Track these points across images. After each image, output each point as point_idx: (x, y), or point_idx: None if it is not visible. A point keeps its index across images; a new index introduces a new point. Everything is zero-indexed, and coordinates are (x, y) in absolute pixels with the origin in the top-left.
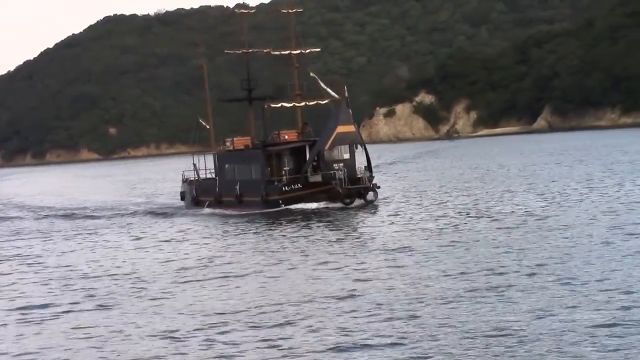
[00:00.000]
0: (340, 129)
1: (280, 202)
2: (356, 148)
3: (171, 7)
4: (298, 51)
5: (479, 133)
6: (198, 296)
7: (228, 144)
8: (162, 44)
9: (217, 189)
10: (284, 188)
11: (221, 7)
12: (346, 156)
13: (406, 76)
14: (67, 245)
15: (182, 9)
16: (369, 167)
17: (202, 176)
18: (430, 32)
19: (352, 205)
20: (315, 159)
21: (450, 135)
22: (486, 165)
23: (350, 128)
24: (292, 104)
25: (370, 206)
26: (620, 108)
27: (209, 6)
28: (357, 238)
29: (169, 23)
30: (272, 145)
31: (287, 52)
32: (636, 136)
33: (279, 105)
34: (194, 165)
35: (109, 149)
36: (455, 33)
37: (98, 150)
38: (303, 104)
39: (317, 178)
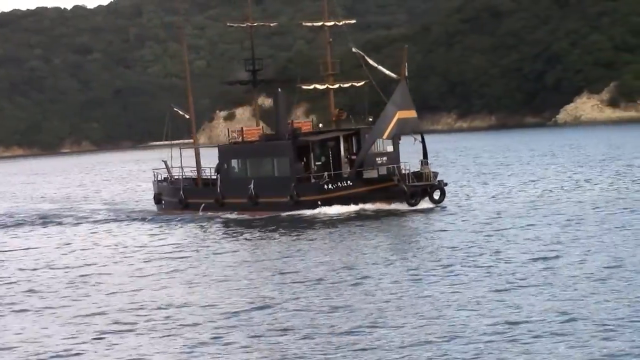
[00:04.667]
0: (401, 114)
1: (319, 203)
2: (399, 139)
3: (7, 8)
4: (332, 23)
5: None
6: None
7: (235, 134)
8: None
9: (218, 189)
10: (325, 186)
11: (58, 8)
12: (389, 148)
13: (246, 79)
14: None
15: (18, 10)
16: (426, 161)
17: (177, 175)
18: (269, 36)
19: (418, 206)
20: (347, 153)
21: None
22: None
23: (412, 113)
24: (325, 86)
25: (439, 207)
26: (456, 112)
27: (46, 7)
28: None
29: (4, 24)
30: (305, 135)
31: (320, 24)
32: (487, 139)
33: (312, 87)
34: (165, 162)
35: None
36: (294, 37)
37: None
38: (337, 85)
39: (373, 174)
